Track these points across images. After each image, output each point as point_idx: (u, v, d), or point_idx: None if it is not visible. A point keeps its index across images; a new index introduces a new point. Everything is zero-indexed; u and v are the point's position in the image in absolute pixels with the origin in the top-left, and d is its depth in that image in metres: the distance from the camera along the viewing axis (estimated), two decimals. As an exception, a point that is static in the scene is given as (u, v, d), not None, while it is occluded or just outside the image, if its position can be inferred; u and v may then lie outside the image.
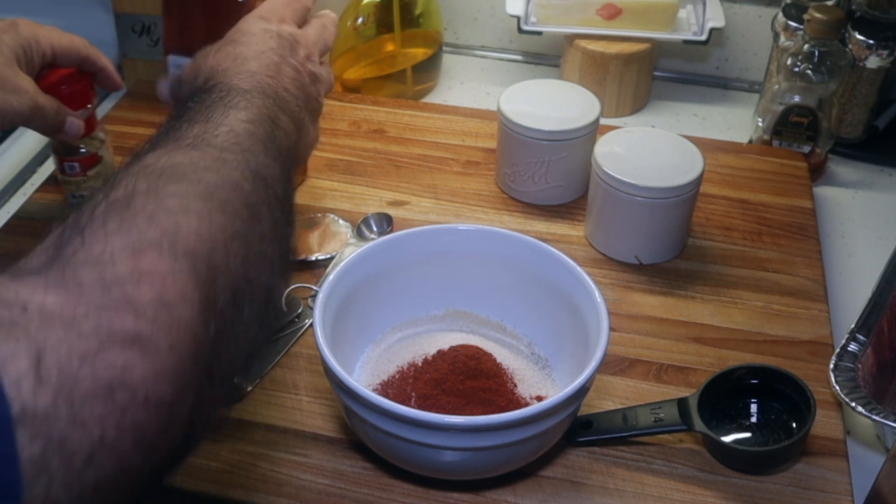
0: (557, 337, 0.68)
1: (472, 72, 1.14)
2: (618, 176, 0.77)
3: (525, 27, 1.03)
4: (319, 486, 0.63)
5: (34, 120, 0.72)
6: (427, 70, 1.08)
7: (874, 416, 0.62)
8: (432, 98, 1.09)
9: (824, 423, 0.67)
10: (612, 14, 1.02)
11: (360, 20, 1.02)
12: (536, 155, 0.84)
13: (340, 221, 0.84)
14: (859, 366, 0.67)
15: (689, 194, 0.78)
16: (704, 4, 1.02)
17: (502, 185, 0.89)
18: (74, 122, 0.77)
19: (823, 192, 0.95)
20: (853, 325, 0.69)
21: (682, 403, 0.65)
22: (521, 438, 0.57)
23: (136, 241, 0.38)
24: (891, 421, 0.61)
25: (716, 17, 1.01)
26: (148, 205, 0.40)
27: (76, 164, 0.81)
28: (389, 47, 1.05)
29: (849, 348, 0.68)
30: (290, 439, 0.66)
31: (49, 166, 0.96)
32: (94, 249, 0.37)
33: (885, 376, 0.70)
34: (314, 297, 0.69)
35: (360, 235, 0.82)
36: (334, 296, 0.64)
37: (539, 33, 1.04)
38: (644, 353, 0.73)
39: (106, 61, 0.80)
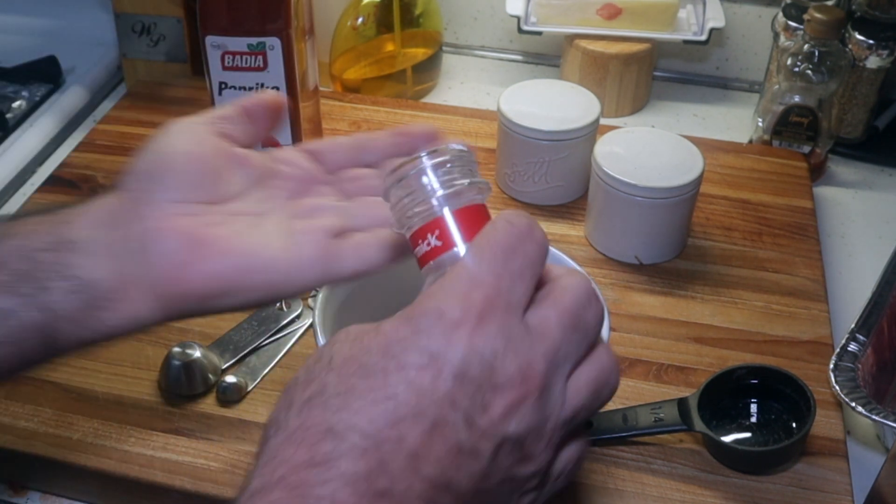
0: (557, 337, 0.68)
1: (472, 72, 1.14)
2: (618, 176, 0.77)
3: (525, 27, 1.03)
4: (319, 486, 0.63)
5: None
6: (427, 70, 1.08)
7: (874, 416, 0.62)
8: (432, 98, 1.09)
9: (824, 423, 0.67)
10: (612, 14, 1.02)
11: (360, 20, 1.02)
12: (536, 155, 0.84)
13: (340, 221, 0.84)
14: (859, 366, 0.67)
15: (689, 194, 0.78)
16: (704, 4, 1.02)
17: (502, 185, 0.89)
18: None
19: (823, 192, 0.95)
20: (853, 325, 0.69)
21: (682, 403, 0.65)
22: (521, 438, 0.57)
23: None
24: (891, 421, 0.61)
25: (716, 17, 1.01)
26: None
27: None
28: (389, 47, 1.05)
29: (849, 348, 0.68)
30: (289, 439, 0.66)
31: (49, 166, 0.96)
32: None
33: (885, 376, 0.70)
34: (314, 297, 0.69)
35: (360, 235, 0.82)
36: (334, 296, 0.64)
37: (539, 33, 1.04)
38: (644, 353, 0.73)
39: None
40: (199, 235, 0.43)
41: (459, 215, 0.39)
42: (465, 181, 0.40)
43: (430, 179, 0.40)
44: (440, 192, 0.39)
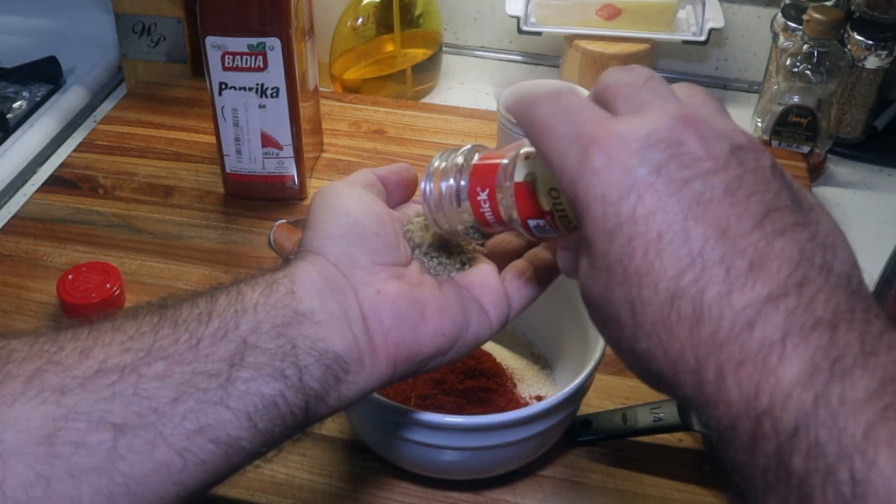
0: (557, 337, 0.68)
1: (472, 72, 1.14)
2: (617, 176, 0.77)
3: (525, 27, 1.03)
4: (319, 486, 0.63)
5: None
6: (427, 70, 1.08)
7: (873, 416, 0.62)
8: (432, 98, 1.09)
9: (823, 423, 0.67)
10: (612, 14, 1.02)
11: (360, 20, 1.02)
12: (536, 155, 0.84)
13: (340, 221, 0.84)
14: (858, 366, 0.67)
15: (689, 194, 0.78)
16: (704, 5, 1.02)
17: (502, 186, 0.89)
18: None
19: (822, 192, 0.95)
20: (852, 325, 0.70)
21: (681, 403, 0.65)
22: (520, 438, 0.57)
23: None
24: (890, 421, 0.61)
25: (715, 18, 1.01)
26: None
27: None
28: (389, 47, 1.05)
29: (848, 348, 0.68)
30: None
31: (50, 166, 0.96)
32: None
33: (884, 376, 0.70)
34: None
35: (360, 235, 0.83)
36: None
37: (539, 34, 1.04)
38: (643, 353, 0.73)
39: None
40: (416, 297, 0.43)
41: (478, 166, 0.44)
42: (465, 150, 0.45)
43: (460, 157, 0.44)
44: (459, 162, 0.44)
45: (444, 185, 0.44)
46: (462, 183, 0.43)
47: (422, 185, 0.45)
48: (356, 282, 0.42)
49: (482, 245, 0.49)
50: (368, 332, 0.41)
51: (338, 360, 0.40)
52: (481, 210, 0.43)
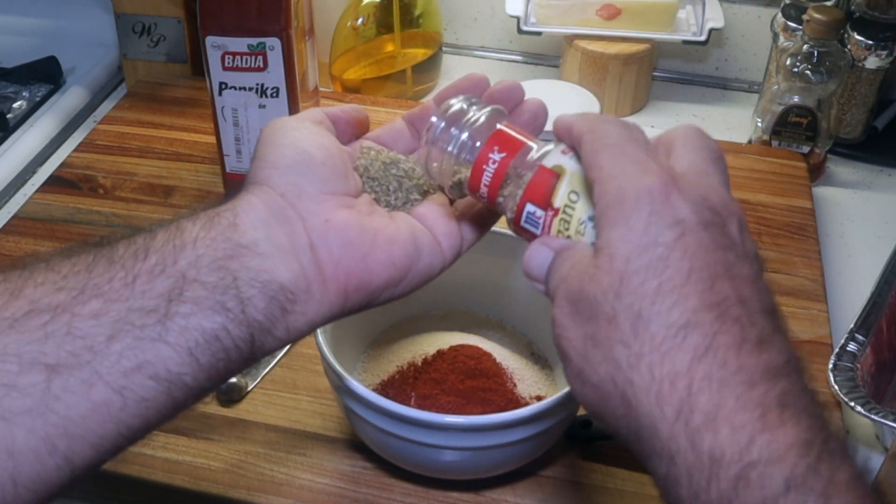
0: (557, 337, 0.68)
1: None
2: (617, 176, 0.77)
3: (525, 28, 1.03)
4: (319, 486, 0.63)
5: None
6: (427, 70, 1.08)
7: (873, 416, 0.62)
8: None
9: (823, 423, 0.67)
10: (612, 14, 1.02)
11: (360, 20, 1.02)
12: (536, 155, 0.84)
13: (340, 221, 0.84)
14: (858, 365, 0.67)
15: (689, 194, 0.78)
16: (704, 5, 1.02)
17: (502, 186, 0.89)
18: None
19: (822, 192, 0.95)
20: (852, 325, 0.70)
21: (681, 403, 0.65)
22: (520, 438, 0.57)
23: None
24: (890, 420, 0.61)
25: (715, 18, 1.01)
26: None
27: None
28: (389, 47, 1.05)
29: (848, 348, 0.68)
30: (290, 439, 0.66)
31: (50, 166, 0.96)
32: None
33: (884, 376, 0.70)
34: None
35: (359, 235, 0.83)
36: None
37: (539, 34, 1.04)
38: (643, 353, 0.73)
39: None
40: (366, 225, 0.42)
41: (504, 132, 0.43)
42: (487, 109, 0.43)
43: (466, 118, 0.43)
44: (482, 119, 0.43)
45: (455, 132, 0.43)
46: (477, 144, 0.43)
47: (433, 119, 0.43)
48: (304, 211, 0.41)
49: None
50: (317, 261, 0.41)
51: (283, 291, 0.40)
52: (484, 167, 0.42)
